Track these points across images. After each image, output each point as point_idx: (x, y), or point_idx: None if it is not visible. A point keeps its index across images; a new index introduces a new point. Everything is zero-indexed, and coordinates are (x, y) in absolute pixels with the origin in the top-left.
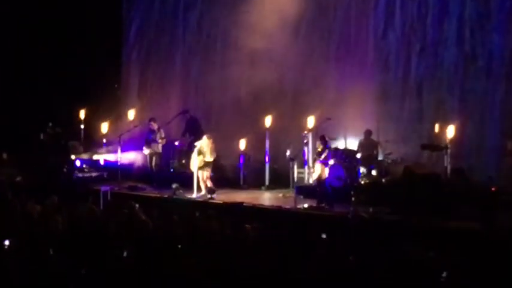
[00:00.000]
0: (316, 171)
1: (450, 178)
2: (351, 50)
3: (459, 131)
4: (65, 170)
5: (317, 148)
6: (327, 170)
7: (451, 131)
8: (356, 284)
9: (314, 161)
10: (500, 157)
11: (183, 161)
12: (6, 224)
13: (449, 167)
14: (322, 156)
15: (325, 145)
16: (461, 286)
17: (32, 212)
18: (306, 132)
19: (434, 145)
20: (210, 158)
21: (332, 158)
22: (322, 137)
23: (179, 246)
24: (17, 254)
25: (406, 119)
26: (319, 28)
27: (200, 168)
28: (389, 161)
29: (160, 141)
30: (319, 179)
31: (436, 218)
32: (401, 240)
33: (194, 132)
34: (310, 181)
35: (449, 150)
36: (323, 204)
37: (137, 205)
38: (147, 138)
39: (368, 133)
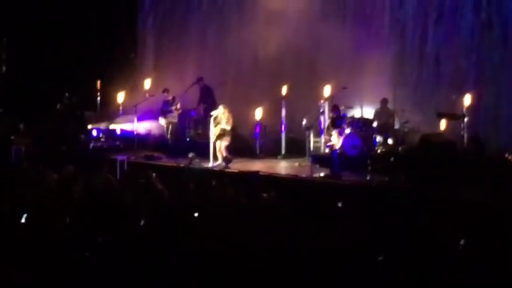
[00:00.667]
0: (329, 141)
1: (466, 147)
2: (366, 19)
3: (475, 100)
4: (81, 139)
5: (330, 117)
6: (339, 139)
7: (467, 100)
8: (371, 252)
9: (327, 130)
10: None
11: (199, 130)
12: (23, 193)
13: (465, 136)
14: (335, 125)
15: (338, 114)
16: (476, 254)
17: (49, 181)
18: (322, 101)
19: (451, 114)
20: (227, 127)
21: (348, 126)
22: (335, 107)
23: (195, 215)
24: (33, 224)
25: (422, 88)
26: None
27: (217, 137)
28: (405, 130)
29: (175, 111)
30: (331, 148)
31: (451, 186)
32: (417, 208)
33: (208, 100)
34: (326, 150)
35: (465, 119)
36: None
37: (154, 174)
38: (163, 109)
39: (384, 102)
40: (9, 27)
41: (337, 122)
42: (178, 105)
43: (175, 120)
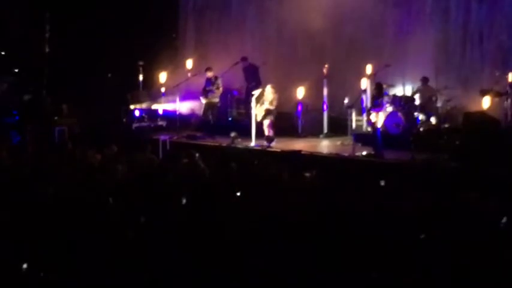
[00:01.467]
0: (372, 119)
1: (510, 124)
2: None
3: None
4: (124, 119)
5: (371, 96)
6: (381, 118)
7: (511, 77)
8: (413, 229)
9: (369, 108)
10: None
11: (242, 110)
12: (66, 172)
13: (509, 113)
14: (376, 104)
15: (379, 93)
16: None
17: (92, 161)
18: (364, 79)
19: (495, 91)
20: (271, 107)
21: (390, 104)
22: (377, 85)
23: (237, 194)
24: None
25: (465, 66)
26: None
27: (263, 116)
28: (448, 108)
29: (216, 90)
30: (373, 127)
31: (495, 165)
32: (460, 187)
33: (252, 80)
34: (369, 129)
35: (509, 97)
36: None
37: (197, 154)
38: (204, 88)
39: (425, 80)
40: (51, 6)
41: (378, 100)
42: (220, 85)
43: (217, 99)
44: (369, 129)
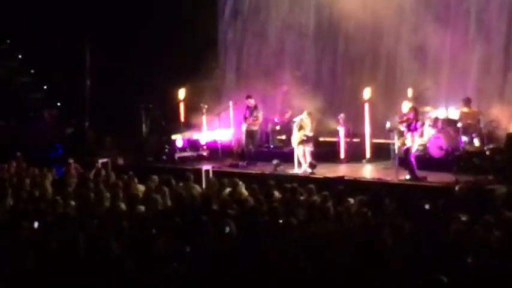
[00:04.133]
0: (404, 144)
1: None
2: (451, 19)
3: None
4: (166, 150)
5: (406, 120)
6: (414, 142)
7: None
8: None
9: (404, 132)
10: None
11: (283, 137)
12: (110, 204)
13: None
14: (410, 128)
15: (414, 117)
16: None
17: (136, 192)
18: (406, 103)
19: None
20: (310, 133)
21: (433, 127)
22: (411, 109)
23: (280, 221)
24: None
25: (508, 87)
26: None
27: (300, 143)
28: (491, 129)
29: (256, 118)
30: (407, 151)
31: None
32: (506, 208)
33: (291, 107)
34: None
35: None
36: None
37: (240, 182)
38: (245, 116)
39: (467, 101)
40: (93, 39)
41: (413, 124)
42: (260, 112)
43: (257, 127)
44: (402, 153)
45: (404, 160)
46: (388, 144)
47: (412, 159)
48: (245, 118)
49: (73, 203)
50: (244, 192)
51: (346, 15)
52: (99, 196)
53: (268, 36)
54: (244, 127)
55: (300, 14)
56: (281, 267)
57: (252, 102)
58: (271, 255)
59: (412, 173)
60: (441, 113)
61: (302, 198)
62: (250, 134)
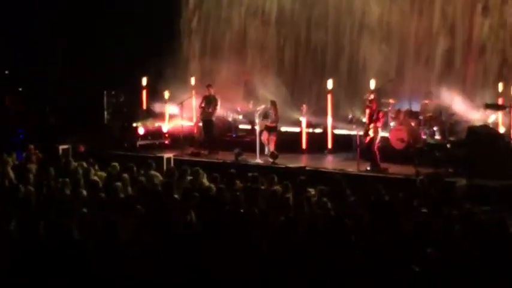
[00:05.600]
0: (368, 135)
1: None
2: (415, 12)
3: None
4: (128, 137)
5: (368, 111)
6: (377, 133)
7: None
8: (423, 244)
9: (368, 124)
10: None
11: (245, 126)
12: (71, 191)
13: None
14: (372, 119)
15: (376, 108)
16: None
17: (96, 179)
18: (367, 94)
19: (498, 104)
20: (273, 123)
21: (394, 119)
22: (372, 101)
23: (241, 211)
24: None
25: (469, 80)
26: None
27: (264, 132)
28: (452, 122)
29: (213, 108)
30: (370, 141)
31: (500, 178)
32: (466, 200)
33: (255, 96)
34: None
35: None
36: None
37: (201, 171)
38: (200, 105)
39: (429, 94)
40: (55, 25)
41: (375, 115)
42: (218, 102)
43: (213, 117)
44: (366, 144)
45: (367, 151)
46: (350, 135)
47: (376, 150)
48: (201, 107)
49: (33, 189)
50: (205, 181)
51: (309, 4)
52: (59, 182)
53: (231, 24)
54: (204, 116)
55: (263, 1)
56: (243, 256)
57: (211, 91)
58: (233, 243)
59: (375, 163)
60: (404, 105)
61: (263, 187)
62: (206, 123)
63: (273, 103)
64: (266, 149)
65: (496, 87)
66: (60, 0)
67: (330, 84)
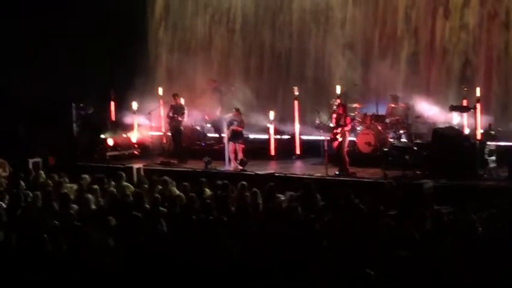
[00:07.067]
0: (335, 139)
1: (479, 138)
2: (379, 16)
3: (486, 89)
4: (97, 149)
5: (335, 116)
6: (345, 137)
7: (478, 91)
8: (392, 245)
9: (334, 128)
10: None
11: (213, 134)
12: (42, 204)
13: (478, 127)
14: (340, 124)
15: (343, 113)
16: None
17: (68, 191)
18: (334, 100)
19: (463, 106)
20: (239, 129)
21: (361, 123)
22: (339, 105)
23: (211, 218)
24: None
25: (434, 83)
26: None
27: (231, 139)
28: (418, 125)
29: (181, 117)
30: (339, 145)
31: (466, 178)
32: (433, 201)
33: (222, 103)
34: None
35: (478, 110)
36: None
37: (170, 180)
38: (168, 114)
39: (395, 98)
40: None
41: (342, 120)
42: (185, 111)
43: (181, 126)
44: (334, 148)
45: (336, 155)
46: (318, 140)
47: (345, 154)
48: (168, 117)
49: (4, 203)
50: (175, 190)
51: (273, 11)
52: (30, 196)
53: (197, 32)
54: (172, 125)
55: (228, 9)
56: (214, 263)
57: (177, 100)
58: (204, 251)
59: (344, 168)
60: (371, 109)
61: (233, 195)
62: (175, 133)
63: (238, 110)
64: (232, 163)
65: (460, 89)
66: (26, 12)
67: (296, 91)
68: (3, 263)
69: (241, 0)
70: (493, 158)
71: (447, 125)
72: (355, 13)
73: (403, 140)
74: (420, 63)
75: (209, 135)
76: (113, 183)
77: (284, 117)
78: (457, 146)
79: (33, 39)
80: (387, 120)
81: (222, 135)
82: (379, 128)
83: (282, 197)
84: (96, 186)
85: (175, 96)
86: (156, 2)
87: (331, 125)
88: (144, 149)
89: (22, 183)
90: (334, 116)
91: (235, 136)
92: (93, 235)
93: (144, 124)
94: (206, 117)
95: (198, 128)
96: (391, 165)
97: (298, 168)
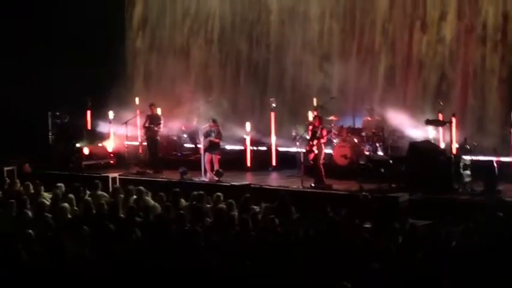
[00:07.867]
0: (311, 151)
1: (455, 152)
2: (356, 30)
3: (462, 104)
4: (73, 157)
5: (311, 128)
6: (321, 150)
7: (454, 104)
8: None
9: (311, 140)
10: (502, 125)
11: (190, 145)
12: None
13: (454, 141)
14: (316, 136)
15: (319, 125)
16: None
17: (43, 200)
18: (310, 111)
19: (439, 120)
20: (216, 141)
21: (337, 136)
22: (315, 118)
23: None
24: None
25: (410, 96)
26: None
27: (207, 150)
28: (394, 138)
29: (157, 127)
30: (315, 158)
31: (441, 192)
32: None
33: (197, 114)
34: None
35: (453, 124)
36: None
37: (146, 190)
38: (144, 124)
39: (371, 111)
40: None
41: (318, 132)
42: (161, 121)
43: (157, 136)
44: (310, 161)
45: (312, 168)
46: (294, 152)
47: (321, 166)
48: (145, 127)
49: None
50: (150, 200)
51: (250, 22)
52: (4, 204)
53: (175, 43)
54: (145, 136)
55: (205, 20)
56: (189, 273)
57: (154, 110)
58: (179, 261)
59: (319, 180)
60: (347, 122)
61: (209, 205)
62: (151, 142)
63: (214, 121)
64: (208, 174)
65: (436, 103)
66: (2, 20)
67: (273, 102)
68: None
69: (220, 11)
70: (468, 172)
71: (423, 139)
72: (333, 25)
73: (379, 153)
74: (397, 76)
75: (185, 145)
76: (88, 192)
77: (260, 128)
78: (432, 159)
79: (7, 46)
80: (363, 133)
81: (199, 145)
82: (356, 140)
83: (257, 209)
84: (71, 195)
85: (151, 106)
86: (134, 12)
87: (307, 137)
88: (120, 159)
89: None
90: (311, 128)
91: (212, 147)
92: (68, 244)
93: (120, 133)
94: (183, 128)
95: (175, 138)
96: (367, 178)
97: (274, 180)
